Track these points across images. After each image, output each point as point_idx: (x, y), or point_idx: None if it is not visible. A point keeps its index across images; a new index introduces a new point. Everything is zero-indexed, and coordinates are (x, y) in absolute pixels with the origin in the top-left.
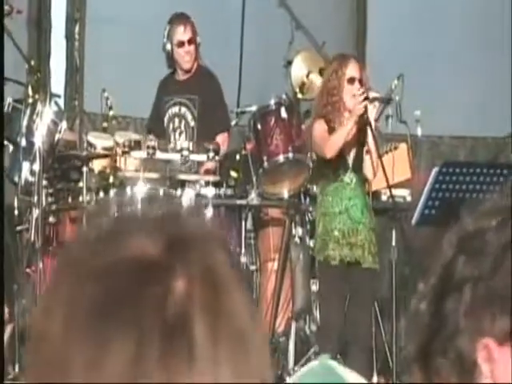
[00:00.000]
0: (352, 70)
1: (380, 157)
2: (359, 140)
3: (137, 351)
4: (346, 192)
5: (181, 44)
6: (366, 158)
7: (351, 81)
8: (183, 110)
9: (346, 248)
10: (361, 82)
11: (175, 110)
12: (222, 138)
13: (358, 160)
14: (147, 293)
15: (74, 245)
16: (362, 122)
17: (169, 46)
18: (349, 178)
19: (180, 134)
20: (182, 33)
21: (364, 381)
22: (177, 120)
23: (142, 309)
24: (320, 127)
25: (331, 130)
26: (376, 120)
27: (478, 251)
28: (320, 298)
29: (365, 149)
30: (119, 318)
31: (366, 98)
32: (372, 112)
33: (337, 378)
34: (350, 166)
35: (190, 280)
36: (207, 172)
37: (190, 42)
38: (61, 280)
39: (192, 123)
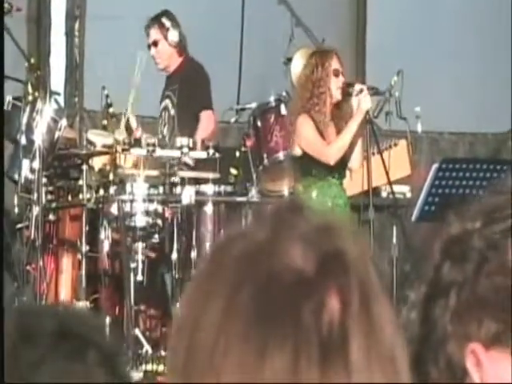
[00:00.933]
0: (336, 63)
1: (380, 153)
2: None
3: (294, 362)
4: (331, 190)
5: (149, 48)
6: (355, 149)
7: (336, 73)
8: (167, 101)
9: None
10: (343, 74)
11: (163, 104)
12: (205, 116)
13: (343, 158)
14: (303, 307)
15: (240, 240)
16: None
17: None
18: (334, 177)
19: (164, 125)
20: (147, 37)
21: None
22: (163, 113)
23: (299, 322)
24: (308, 126)
25: (316, 125)
26: (375, 117)
27: (462, 256)
28: None
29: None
30: (277, 328)
31: (348, 89)
32: (366, 100)
33: None
34: (336, 165)
35: (344, 296)
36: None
37: (154, 44)
38: (222, 272)
39: (172, 111)
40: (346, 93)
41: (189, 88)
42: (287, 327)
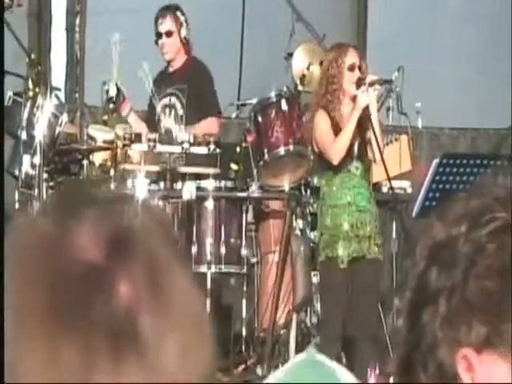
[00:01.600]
0: (351, 57)
1: (380, 148)
2: (362, 127)
3: (85, 356)
4: (352, 182)
5: (159, 36)
6: (373, 141)
7: (351, 68)
8: (173, 99)
9: (354, 242)
10: (360, 69)
11: (166, 100)
12: (209, 122)
13: (363, 147)
14: (93, 299)
15: (29, 234)
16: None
17: (155, 38)
18: (355, 166)
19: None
20: (159, 25)
21: (355, 379)
22: (167, 110)
23: (89, 315)
24: (323, 121)
25: (333, 122)
26: (378, 109)
27: (449, 261)
28: (323, 293)
29: (368, 135)
30: (68, 323)
31: (361, 82)
32: (373, 95)
33: (325, 377)
34: (356, 154)
35: (132, 280)
36: None
37: (167, 34)
38: (16, 272)
39: (181, 112)
40: (360, 87)
41: (198, 90)
42: (77, 322)
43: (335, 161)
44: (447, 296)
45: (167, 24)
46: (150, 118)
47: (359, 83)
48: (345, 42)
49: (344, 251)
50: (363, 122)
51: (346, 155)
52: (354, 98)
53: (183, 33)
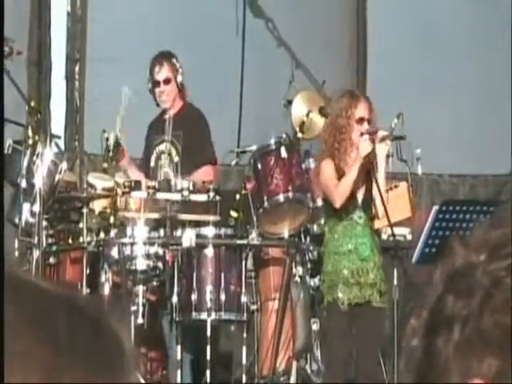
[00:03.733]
0: (361, 110)
1: (381, 195)
2: (369, 177)
3: None
4: (355, 230)
5: (156, 84)
6: (376, 194)
7: (360, 121)
8: (168, 146)
9: (356, 288)
10: (369, 122)
11: (162, 147)
12: (204, 170)
13: (368, 197)
14: None
15: None
16: (370, 160)
17: (150, 85)
18: (358, 216)
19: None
20: (157, 73)
21: None
22: (163, 157)
23: None
24: (328, 168)
25: (339, 170)
26: (388, 157)
27: (467, 290)
28: (326, 338)
29: (373, 185)
30: None
31: (369, 136)
32: (384, 149)
33: None
34: (360, 203)
35: None
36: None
37: (166, 81)
38: None
39: (176, 159)
40: (370, 140)
41: (194, 137)
42: None
43: (337, 204)
44: (462, 324)
45: (165, 71)
46: (146, 165)
47: (368, 136)
48: (357, 91)
49: (344, 295)
50: (369, 173)
51: (349, 203)
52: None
53: (179, 79)
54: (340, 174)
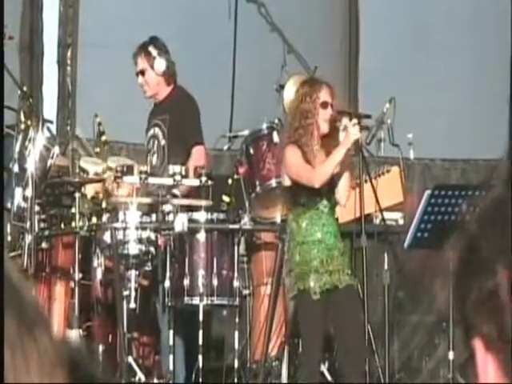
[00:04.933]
0: (325, 94)
1: (371, 180)
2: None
3: None
4: (321, 220)
5: (137, 76)
6: (340, 182)
7: (324, 105)
8: (156, 130)
9: (326, 275)
10: (332, 106)
11: (151, 132)
12: (197, 152)
13: (331, 186)
14: None
15: None
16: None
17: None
18: (323, 205)
19: (153, 154)
20: (135, 65)
21: None
22: (151, 141)
23: None
24: (295, 154)
25: (304, 156)
26: (368, 144)
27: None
28: (299, 326)
29: (335, 171)
30: None
31: (335, 121)
32: (355, 130)
33: None
34: (324, 192)
35: None
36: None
37: (141, 73)
38: None
39: (163, 142)
40: (334, 126)
41: (180, 120)
42: None
43: (316, 184)
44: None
45: (139, 63)
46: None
47: (332, 122)
48: (319, 78)
49: (316, 283)
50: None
51: (314, 193)
52: (325, 136)
53: (157, 65)
54: (305, 160)
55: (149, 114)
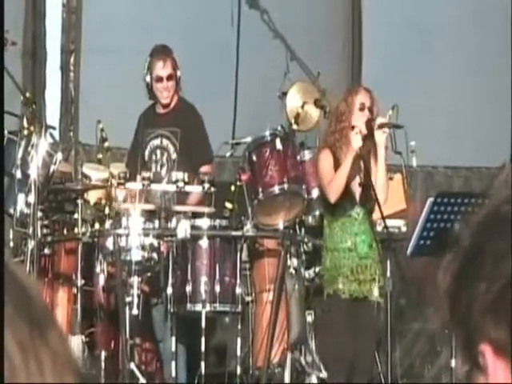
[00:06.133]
0: (362, 97)
1: (374, 188)
2: (366, 170)
3: None
4: (353, 228)
5: (159, 79)
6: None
7: (361, 107)
8: (165, 142)
9: (355, 283)
10: (371, 110)
11: (157, 142)
12: (205, 170)
13: (365, 193)
14: None
15: None
16: (368, 151)
17: (148, 79)
18: (356, 212)
19: (161, 166)
20: (160, 68)
21: None
22: (158, 152)
23: None
24: (325, 160)
25: (337, 161)
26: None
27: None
28: (328, 329)
29: (372, 178)
30: None
31: (371, 124)
32: (382, 137)
33: None
34: (357, 200)
35: None
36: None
37: (168, 78)
38: None
39: (174, 156)
40: (370, 127)
41: (193, 137)
42: None
43: (332, 199)
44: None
45: (169, 68)
46: (134, 158)
47: (369, 125)
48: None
49: (344, 286)
50: (366, 165)
51: (346, 200)
52: (363, 138)
53: (178, 74)
54: (337, 166)
55: (143, 120)
